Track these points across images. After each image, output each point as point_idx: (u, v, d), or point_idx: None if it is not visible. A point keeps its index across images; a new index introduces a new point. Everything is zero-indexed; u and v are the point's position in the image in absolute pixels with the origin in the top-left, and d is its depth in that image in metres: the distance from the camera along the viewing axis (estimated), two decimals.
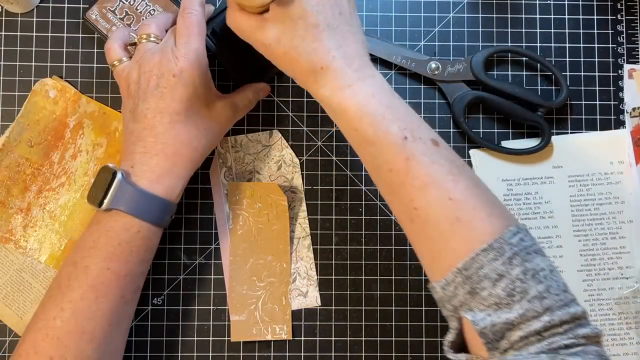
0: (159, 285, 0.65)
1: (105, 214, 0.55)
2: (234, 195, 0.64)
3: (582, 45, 0.69)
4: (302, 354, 0.66)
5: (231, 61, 0.65)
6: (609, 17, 0.69)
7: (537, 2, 0.69)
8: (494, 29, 0.69)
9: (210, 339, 0.65)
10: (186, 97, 0.55)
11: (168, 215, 0.57)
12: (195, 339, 0.65)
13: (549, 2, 0.69)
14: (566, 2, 0.69)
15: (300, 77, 0.52)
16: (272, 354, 0.65)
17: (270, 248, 0.64)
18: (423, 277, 0.66)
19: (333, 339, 0.66)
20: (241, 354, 0.65)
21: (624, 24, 0.69)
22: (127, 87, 0.57)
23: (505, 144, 0.68)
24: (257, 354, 0.65)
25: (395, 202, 0.50)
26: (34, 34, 0.67)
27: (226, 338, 0.65)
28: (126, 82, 0.57)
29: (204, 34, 0.57)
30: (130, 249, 0.54)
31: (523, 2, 0.69)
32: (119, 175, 0.54)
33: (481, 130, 0.68)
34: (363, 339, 0.66)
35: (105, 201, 0.54)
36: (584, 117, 0.68)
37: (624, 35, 0.69)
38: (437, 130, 0.67)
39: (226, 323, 0.65)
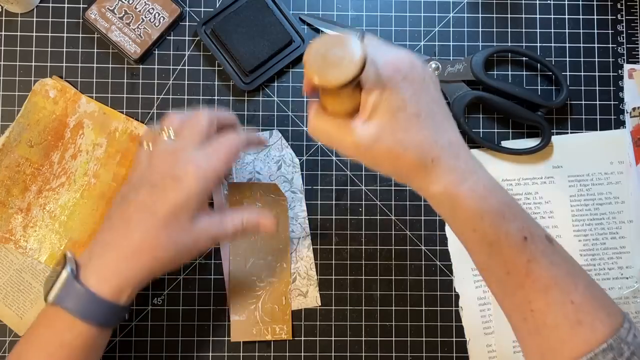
0: (159, 285, 0.65)
1: (52, 309, 0.51)
2: (234, 195, 0.64)
3: (582, 45, 0.69)
4: (302, 354, 0.66)
5: (231, 60, 0.66)
6: (609, 17, 0.69)
7: (537, 2, 0.69)
8: (494, 29, 0.69)
9: (210, 339, 0.65)
10: (174, 202, 0.51)
11: (115, 317, 0.52)
12: (195, 339, 0.65)
13: (549, 2, 0.69)
14: (566, 2, 0.69)
15: (406, 173, 0.46)
16: (272, 354, 0.65)
17: (271, 248, 0.64)
18: (423, 277, 0.66)
19: (333, 339, 0.66)
20: (241, 354, 0.65)
21: (624, 24, 0.69)
22: (133, 171, 0.55)
23: (505, 144, 0.68)
24: (257, 354, 0.65)
25: (507, 301, 0.48)
26: (34, 34, 0.67)
27: (226, 338, 0.65)
28: (135, 166, 0.55)
29: (232, 164, 0.54)
30: (72, 351, 0.51)
31: (523, 2, 0.69)
32: (66, 270, 0.51)
33: (481, 130, 0.68)
34: (363, 339, 0.66)
35: (49, 296, 0.51)
36: (584, 117, 0.68)
37: (624, 35, 0.69)
38: None
39: (226, 323, 0.65)
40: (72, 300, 0.51)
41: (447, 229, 0.67)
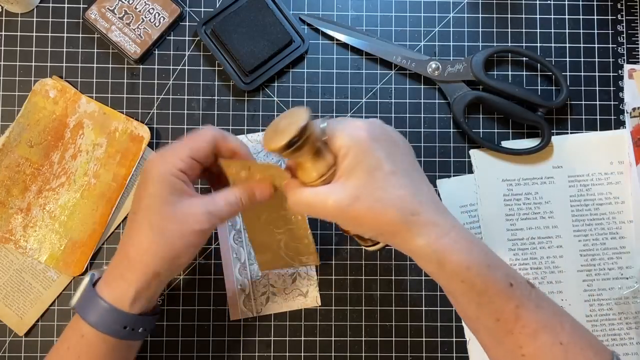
0: None
1: (75, 315, 0.53)
2: (231, 169, 0.57)
3: (582, 45, 0.69)
4: (302, 354, 0.66)
5: (231, 60, 0.66)
6: (609, 17, 0.69)
7: (537, 2, 0.69)
8: (494, 29, 0.69)
9: (210, 339, 0.65)
10: (145, 194, 0.50)
11: (117, 324, 0.51)
12: (195, 339, 0.65)
13: (549, 2, 0.69)
14: (566, 2, 0.69)
15: (389, 230, 0.46)
16: (272, 354, 0.65)
17: (282, 205, 0.56)
18: (423, 277, 0.66)
19: (333, 339, 0.66)
20: (241, 354, 0.65)
21: (624, 24, 0.69)
22: None
23: (505, 144, 0.68)
24: (257, 354, 0.65)
25: (498, 348, 0.48)
26: (34, 34, 0.67)
27: (226, 338, 0.65)
28: None
29: (198, 148, 0.53)
30: (77, 355, 0.51)
31: (523, 2, 0.69)
32: (88, 276, 0.53)
33: (481, 130, 0.68)
34: (363, 339, 0.66)
35: (72, 300, 0.53)
36: (584, 117, 0.68)
37: (624, 35, 0.69)
38: (436, 130, 0.67)
39: (226, 323, 0.65)
40: (83, 303, 0.52)
41: None
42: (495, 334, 0.48)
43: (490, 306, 0.47)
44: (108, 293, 0.51)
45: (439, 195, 0.67)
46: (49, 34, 0.67)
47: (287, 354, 0.65)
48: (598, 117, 0.68)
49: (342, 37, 0.67)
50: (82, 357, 0.51)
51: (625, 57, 0.69)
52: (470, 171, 0.67)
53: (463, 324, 0.66)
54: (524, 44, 0.69)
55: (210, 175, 0.56)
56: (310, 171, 0.48)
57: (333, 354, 0.66)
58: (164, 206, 0.50)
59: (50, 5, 0.67)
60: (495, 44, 0.68)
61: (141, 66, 0.67)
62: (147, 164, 0.51)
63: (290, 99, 0.67)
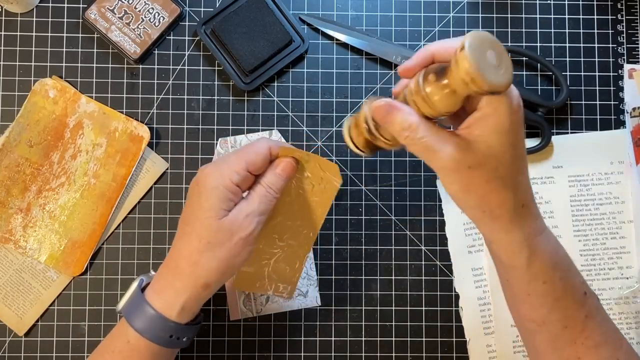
0: None
1: (121, 318, 0.53)
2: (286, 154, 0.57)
3: (582, 45, 0.69)
4: (302, 354, 0.66)
5: (231, 60, 0.66)
6: (609, 17, 0.69)
7: (537, 2, 0.69)
8: (494, 29, 0.69)
9: (210, 339, 0.65)
10: (198, 206, 0.50)
11: (165, 333, 0.51)
12: (195, 339, 0.65)
13: (549, 2, 0.69)
14: (566, 2, 0.69)
15: (494, 211, 0.43)
16: (272, 354, 0.65)
17: (303, 214, 0.58)
18: (423, 277, 0.66)
19: (333, 339, 0.66)
20: (241, 354, 0.65)
21: (624, 23, 0.69)
22: None
23: None
24: (257, 354, 0.65)
25: (552, 355, 0.47)
26: (34, 34, 0.67)
27: (226, 338, 0.65)
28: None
29: (254, 161, 0.52)
30: (121, 359, 0.51)
31: (523, 2, 0.69)
32: (137, 281, 0.53)
33: None
34: (363, 339, 0.66)
35: (119, 304, 0.53)
36: (584, 117, 0.68)
37: (624, 35, 0.69)
38: None
39: (226, 323, 0.65)
40: (129, 306, 0.52)
41: (447, 229, 0.66)
42: (557, 341, 0.47)
43: (562, 312, 0.46)
44: (156, 301, 0.51)
45: (439, 196, 0.67)
46: (49, 34, 0.67)
47: (287, 354, 0.65)
48: (598, 117, 0.68)
49: (342, 37, 0.67)
50: None
51: (625, 57, 0.69)
52: None
53: (463, 324, 0.66)
54: (524, 44, 0.69)
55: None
56: (443, 106, 0.42)
57: (333, 354, 0.66)
58: (214, 219, 0.50)
59: (50, 5, 0.67)
60: None
61: (141, 66, 0.67)
62: (202, 176, 0.51)
63: (290, 99, 0.67)
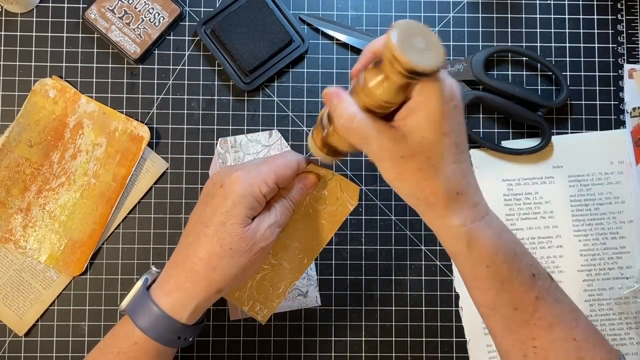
0: None
1: (123, 317, 0.53)
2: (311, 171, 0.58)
3: (582, 45, 0.69)
4: (302, 354, 0.66)
5: (231, 60, 0.66)
6: (609, 17, 0.69)
7: (537, 2, 0.69)
8: (494, 29, 0.69)
9: (210, 339, 0.65)
10: (219, 209, 0.50)
11: (173, 334, 0.51)
12: (196, 338, 0.65)
13: (549, 2, 0.69)
14: (566, 2, 0.69)
15: (428, 199, 0.45)
16: (272, 354, 0.65)
17: (304, 237, 0.58)
18: (423, 277, 0.66)
19: (333, 339, 0.66)
20: (241, 354, 0.65)
21: (624, 23, 0.69)
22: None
23: (505, 144, 0.68)
24: (257, 354, 0.65)
25: (508, 338, 0.48)
26: (34, 34, 0.67)
27: (226, 338, 0.65)
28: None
29: (283, 174, 0.52)
30: None
31: (523, 2, 0.69)
32: (141, 279, 0.53)
33: (481, 130, 0.68)
34: (363, 339, 0.66)
35: (123, 302, 0.52)
36: (584, 117, 0.68)
37: (624, 35, 0.69)
38: None
39: (226, 323, 0.65)
40: (135, 307, 0.51)
41: None
42: (509, 323, 0.47)
43: (510, 294, 0.46)
44: (165, 301, 0.51)
45: None
46: (49, 34, 0.67)
47: (287, 354, 0.65)
48: (598, 117, 0.68)
49: (342, 37, 0.67)
50: None
51: (625, 57, 0.69)
52: None
53: (463, 324, 0.66)
54: (524, 44, 0.69)
55: None
56: (379, 94, 0.43)
57: (333, 354, 0.66)
58: (238, 226, 0.50)
59: (50, 5, 0.67)
60: (495, 44, 0.68)
61: (141, 66, 0.67)
62: (230, 180, 0.50)
63: (290, 99, 0.67)
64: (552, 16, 0.69)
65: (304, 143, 0.67)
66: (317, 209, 0.57)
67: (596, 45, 0.69)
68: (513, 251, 0.46)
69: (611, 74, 0.69)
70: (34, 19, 0.67)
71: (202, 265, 0.50)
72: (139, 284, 0.53)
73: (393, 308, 0.66)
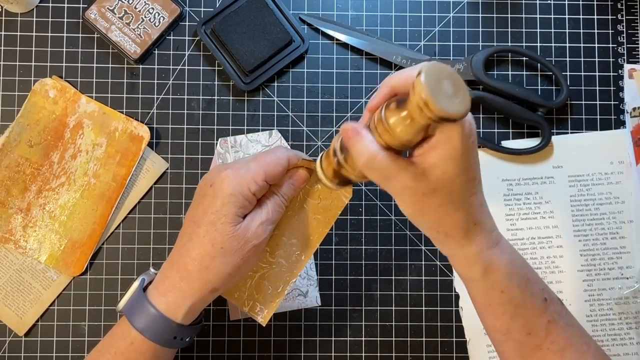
0: None
1: (122, 317, 0.53)
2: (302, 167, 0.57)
3: (582, 45, 0.69)
4: (302, 354, 0.66)
5: (231, 60, 0.66)
6: (609, 17, 0.69)
7: (538, 2, 0.69)
8: (494, 29, 0.69)
9: (210, 339, 0.65)
10: (209, 209, 0.50)
11: (168, 334, 0.51)
12: (195, 339, 0.65)
13: (549, 2, 0.69)
14: (566, 2, 0.69)
15: (446, 231, 0.46)
16: (272, 354, 0.65)
17: (300, 232, 0.58)
18: (423, 277, 0.66)
19: (333, 339, 0.66)
20: (241, 354, 0.65)
21: (624, 23, 0.69)
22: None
23: (505, 144, 0.68)
24: (257, 354, 0.65)
25: None
26: (34, 34, 0.67)
27: (226, 338, 0.65)
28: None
29: (273, 171, 0.51)
30: None
31: (523, 2, 0.69)
32: (138, 280, 0.53)
33: (481, 130, 0.68)
34: (363, 339, 0.66)
35: (120, 303, 0.53)
36: (584, 117, 0.68)
37: (624, 35, 0.69)
38: None
39: (226, 323, 0.65)
40: (131, 308, 0.51)
41: None
42: (523, 348, 0.48)
43: (524, 319, 0.47)
44: (161, 302, 0.51)
45: None
46: (49, 34, 0.67)
47: (287, 354, 0.65)
48: (598, 117, 0.68)
49: (342, 37, 0.67)
50: None
51: (625, 57, 0.69)
52: None
53: (463, 324, 0.66)
54: (524, 44, 0.69)
55: None
56: (402, 134, 0.43)
57: (333, 354, 0.66)
58: (228, 225, 0.50)
59: (50, 5, 0.67)
60: (495, 44, 0.68)
61: (141, 66, 0.67)
62: (219, 179, 0.50)
63: (290, 99, 0.67)
64: (552, 16, 0.69)
65: (304, 143, 0.67)
66: (311, 203, 0.57)
67: (596, 45, 0.69)
68: (526, 276, 0.47)
69: (611, 74, 0.69)
70: (34, 19, 0.67)
71: (195, 265, 0.50)
72: (135, 285, 0.53)
73: (393, 308, 0.66)
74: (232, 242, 0.50)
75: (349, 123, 0.45)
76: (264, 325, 0.58)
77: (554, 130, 0.68)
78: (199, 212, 0.51)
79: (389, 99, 0.45)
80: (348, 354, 0.66)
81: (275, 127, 0.67)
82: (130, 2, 0.66)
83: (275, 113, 0.67)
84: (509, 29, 0.69)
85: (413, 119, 0.41)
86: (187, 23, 0.68)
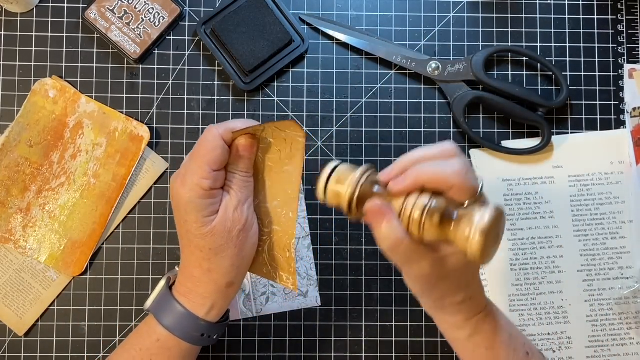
0: None
1: (148, 315, 0.53)
2: (245, 139, 0.54)
3: (582, 45, 0.69)
4: (302, 354, 0.66)
5: (231, 60, 0.66)
6: (609, 17, 0.69)
7: (538, 2, 0.69)
8: (494, 29, 0.69)
9: None
10: (182, 220, 0.50)
11: (196, 332, 0.52)
12: (220, 338, 0.65)
13: (549, 2, 0.69)
14: (566, 2, 0.69)
15: (442, 305, 0.48)
16: (272, 354, 0.65)
17: (277, 191, 0.56)
18: None
19: (333, 339, 0.66)
20: (241, 354, 0.65)
21: (624, 23, 0.69)
22: None
23: (505, 144, 0.68)
24: (257, 354, 0.65)
25: None
26: (34, 33, 0.67)
27: (226, 338, 0.65)
28: None
29: (212, 152, 0.50)
30: (149, 357, 0.52)
31: (523, 2, 0.69)
32: (164, 279, 0.54)
33: (481, 130, 0.68)
34: (363, 339, 0.66)
35: (147, 302, 0.53)
36: (584, 117, 0.68)
37: (624, 35, 0.69)
38: (437, 130, 0.67)
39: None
40: (157, 305, 0.52)
41: None
42: None
43: None
44: (183, 301, 0.51)
45: None
46: (49, 34, 0.67)
47: (287, 354, 0.65)
48: (598, 117, 0.68)
49: (342, 37, 0.67)
50: (154, 359, 0.52)
51: (625, 57, 0.69)
52: None
53: None
54: (524, 44, 0.69)
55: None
56: (429, 237, 0.44)
57: (333, 354, 0.66)
58: (203, 229, 0.50)
59: (50, 5, 0.67)
60: (495, 44, 0.68)
61: (141, 66, 0.67)
62: (173, 192, 0.50)
63: (290, 99, 0.67)
64: (552, 16, 0.69)
65: (304, 143, 0.67)
66: (273, 159, 0.55)
67: (596, 45, 0.69)
68: (508, 333, 0.50)
69: (611, 74, 0.69)
70: (34, 19, 0.67)
71: (199, 271, 0.51)
72: (162, 284, 0.53)
73: (393, 308, 0.66)
74: (215, 240, 0.50)
75: (376, 201, 0.43)
76: (297, 292, 0.58)
77: (554, 130, 0.68)
78: (178, 225, 0.51)
79: (415, 189, 0.44)
80: (348, 354, 0.66)
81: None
82: (130, 2, 0.66)
83: (275, 113, 0.67)
84: (509, 29, 0.69)
85: (452, 242, 0.43)
86: (187, 23, 0.68)
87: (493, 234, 0.42)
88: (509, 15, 0.69)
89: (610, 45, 0.69)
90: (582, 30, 0.69)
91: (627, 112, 0.68)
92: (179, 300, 0.52)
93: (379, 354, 0.66)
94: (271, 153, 0.54)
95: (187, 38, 0.67)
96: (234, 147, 0.51)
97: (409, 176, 0.43)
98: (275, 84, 0.67)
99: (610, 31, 0.69)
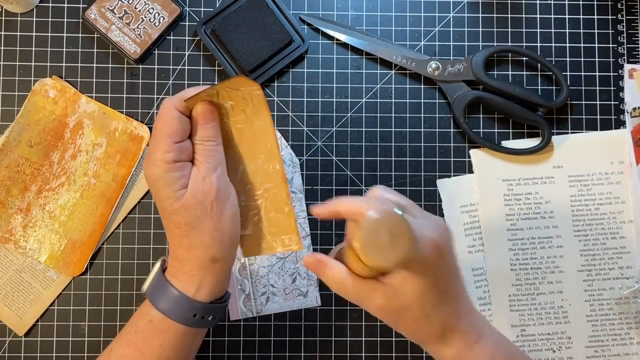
0: None
1: (144, 300, 0.53)
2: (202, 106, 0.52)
3: (582, 45, 0.69)
4: (302, 354, 0.66)
5: (231, 60, 0.66)
6: (610, 17, 0.69)
7: (538, 2, 0.69)
8: (494, 29, 0.69)
9: (210, 339, 0.65)
10: (157, 198, 0.50)
11: (187, 312, 0.51)
12: (219, 321, 0.65)
13: (549, 2, 0.69)
14: (566, 2, 0.69)
15: (422, 339, 0.48)
16: (272, 354, 0.65)
17: (258, 148, 0.54)
18: None
19: (333, 339, 0.66)
20: (241, 354, 0.65)
21: (624, 23, 0.69)
22: None
23: (505, 144, 0.68)
24: (257, 354, 0.65)
25: None
26: (34, 33, 0.67)
27: (226, 338, 0.65)
28: None
29: (170, 124, 0.49)
30: (144, 339, 0.51)
31: (523, 2, 0.69)
32: (158, 262, 0.53)
33: (481, 130, 0.68)
34: (363, 339, 0.66)
35: (144, 285, 0.53)
36: (584, 117, 0.68)
37: (625, 35, 0.69)
38: (437, 130, 0.67)
39: (226, 323, 0.65)
40: (154, 290, 0.52)
41: None
42: None
43: None
44: (174, 282, 0.52)
45: (439, 196, 0.67)
46: (49, 34, 0.67)
47: (287, 354, 0.65)
48: (598, 117, 0.68)
49: (342, 37, 0.67)
50: (148, 341, 0.51)
51: (625, 57, 0.69)
52: (471, 171, 0.67)
53: None
54: (524, 44, 0.69)
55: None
56: (362, 271, 0.46)
57: (333, 354, 0.66)
58: (175, 204, 0.49)
59: (50, 5, 0.67)
60: (495, 44, 0.68)
61: (141, 66, 0.67)
62: (145, 173, 0.51)
63: (290, 99, 0.67)
64: (552, 16, 0.69)
65: (304, 143, 0.67)
66: (240, 120, 0.54)
67: (596, 45, 0.69)
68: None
69: (611, 74, 0.69)
70: (34, 19, 0.67)
71: (181, 250, 0.51)
72: (157, 266, 0.53)
73: None
74: (189, 213, 0.49)
75: (311, 255, 0.47)
76: (302, 250, 0.58)
77: (554, 130, 0.68)
78: (158, 207, 0.51)
79: (334, 216, 0.47)
80: (348, 354, 0.66)
81: (275, 127, 0.67)
82: (130, 2, 0.66)
83: (275, 113, 0.67)
84: (509, 29, 0.69)
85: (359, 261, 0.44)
86: (187, 23, 0.68)
87: (379, 232, 0.42)
88: (509, 15, 0.69)
89: (610, 45, 0.69)
90: (582, 30, 0.69)
91: (627, 112, 0.68)
92: (170, 281, 0.51)
93: (379, 354, 0.66)
94: (236, 115, 0.53)
95: (187, 38, 0.67)
96: (194, 116, 0.51)
97: (328, 205, 0.47)
98: (275, 84, 0.67)
99: (610, 31, 0.69)
